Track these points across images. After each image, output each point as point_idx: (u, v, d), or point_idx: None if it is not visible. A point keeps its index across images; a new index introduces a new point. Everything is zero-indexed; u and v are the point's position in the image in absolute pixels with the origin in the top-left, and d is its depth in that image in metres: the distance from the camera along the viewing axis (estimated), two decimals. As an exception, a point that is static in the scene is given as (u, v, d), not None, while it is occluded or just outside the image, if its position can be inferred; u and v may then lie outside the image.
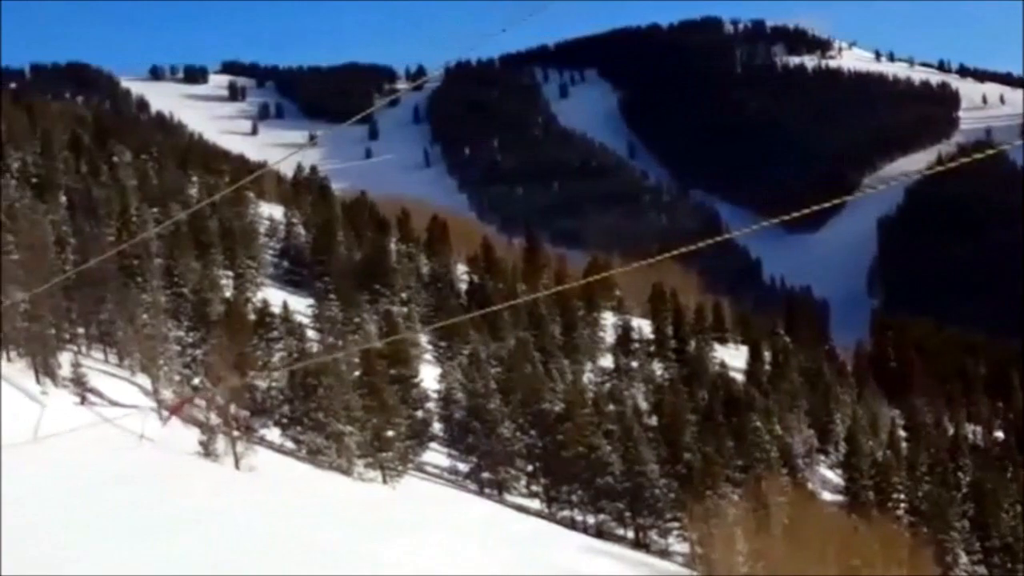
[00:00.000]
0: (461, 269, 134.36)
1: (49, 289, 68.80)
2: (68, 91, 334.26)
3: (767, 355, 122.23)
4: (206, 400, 66.71)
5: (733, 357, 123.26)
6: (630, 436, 79.24)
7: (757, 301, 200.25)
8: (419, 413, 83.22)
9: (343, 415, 71.40)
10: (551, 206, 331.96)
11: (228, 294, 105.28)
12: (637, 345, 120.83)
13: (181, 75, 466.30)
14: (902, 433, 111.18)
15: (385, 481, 72.04)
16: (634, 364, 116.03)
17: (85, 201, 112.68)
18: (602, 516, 78.75)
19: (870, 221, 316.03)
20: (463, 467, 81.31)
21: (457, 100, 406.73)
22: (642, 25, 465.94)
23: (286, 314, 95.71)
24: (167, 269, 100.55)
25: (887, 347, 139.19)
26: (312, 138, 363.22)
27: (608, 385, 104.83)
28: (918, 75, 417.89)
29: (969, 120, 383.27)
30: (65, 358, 75.65)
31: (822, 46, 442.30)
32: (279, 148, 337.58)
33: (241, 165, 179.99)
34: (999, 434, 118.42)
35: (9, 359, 74.87)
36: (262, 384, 75.15)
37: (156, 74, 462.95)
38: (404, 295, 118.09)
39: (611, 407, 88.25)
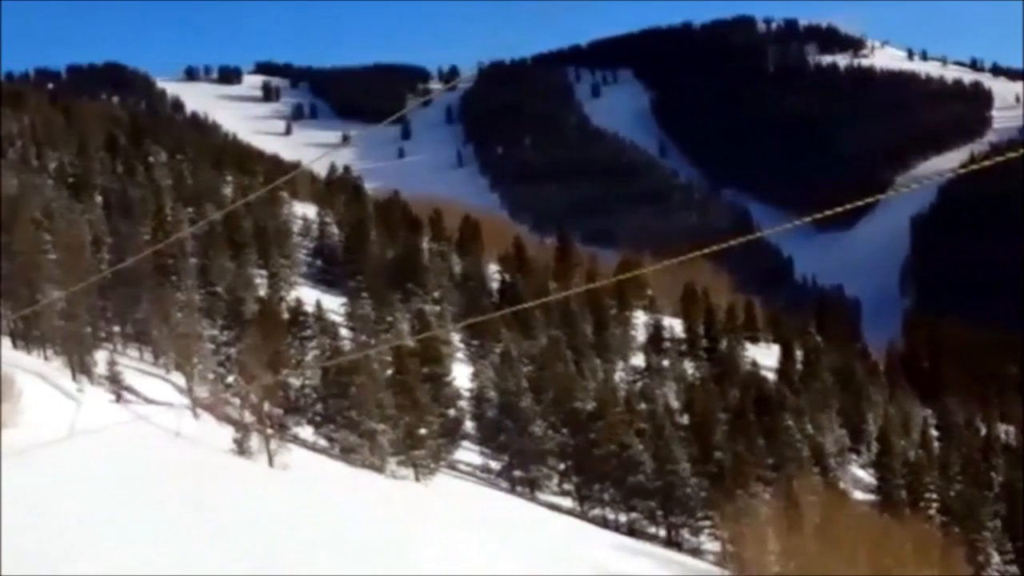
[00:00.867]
0: (493, 268, 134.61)
1: (86, 288, 69.38)
2: (104, 92, 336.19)
3: (799, 354, 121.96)
4: (240, 398, 67.18)
5: (765, 356, 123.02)
6: (661, 435, 79.23)
7: (789, 300, 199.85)
8: (451, 411, 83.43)
9: (376, 413, 71.50)
10: (583, 205, 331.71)
11: (262, 293, 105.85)
12: (668, 344, 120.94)
13: (216, 76, 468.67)
14: (934, 432, 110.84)
15: (418, 479, 72.19)
16: (665, 363, 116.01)
17: (121, 201, 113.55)
18: (634, 514, 78.53)
19: (903, 220, 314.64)
20: (495, 465, 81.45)
21: (490, 100, 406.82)
22: (675, 24, 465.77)
23: (319, 313, 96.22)
24: (202, 268, 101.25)
25: (919, 346, 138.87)
26: (345, 138, 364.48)
27: (640, 384, 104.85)
28: (951, 74, 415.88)
29: (1002, 119, 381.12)
30: (101, 356, 76.10)
31: (855, 45, 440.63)
32: (312, 148, 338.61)
33: (275, 165, 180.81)
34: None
35: (46, 357, 75.60)
36: (295, 382, 75.64)
37: (191, 75, 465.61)
38: (436, 294, 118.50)
39: (643, 406, 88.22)
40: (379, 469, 71.21)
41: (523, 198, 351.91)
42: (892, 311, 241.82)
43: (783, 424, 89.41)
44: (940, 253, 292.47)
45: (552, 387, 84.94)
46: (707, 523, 75.91)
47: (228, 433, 64.35)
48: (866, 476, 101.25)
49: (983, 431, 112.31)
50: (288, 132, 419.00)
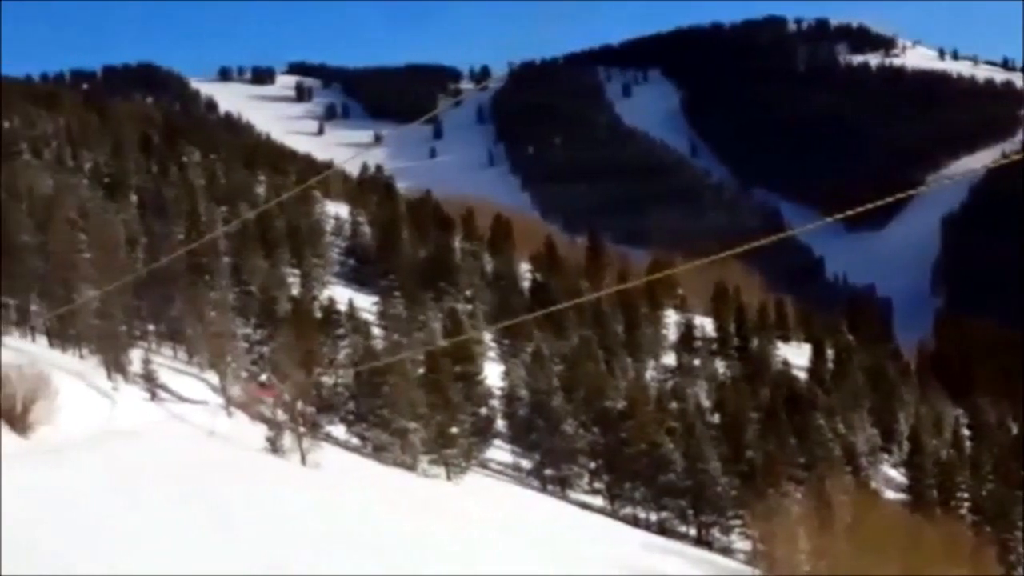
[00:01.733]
0: (524, 267, 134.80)
1: (120, 287, 69.79)
2: (139, 92, 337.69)
3: (830, 353, 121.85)
4: (273, 397, 67.53)
5: (796, 355, 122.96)
6: (692, 434, 79.27)
7: (820, 299, 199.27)
8: (483, 410, 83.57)
9: (408, 412, 71.70)
10: (614, 205, 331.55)
11: (295, 292, 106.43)
12: (700, 343, 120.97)
13: (249, 76, 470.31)
14: (965, 432, 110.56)
15: (449, 478, 72.33)
16: (696, 362, 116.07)
17: (155, 201, 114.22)
18: (664, 513, 78.54)
19: (934, 219, 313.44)
20: (526, 464, 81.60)
21: (521, 100, 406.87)
22: (705, 24, 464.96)
23: (352, 312, 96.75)
24: (235, 267, 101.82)
25: (950, 346, 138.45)
26: (378, 138, 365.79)
27: (671, 383, 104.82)
28: (982, 73, 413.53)
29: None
30: (136, 355, 76.49)
31: (886, 44, 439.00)
32: (345, 148, 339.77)
33: (307, 165, 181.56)
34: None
35: (82, 356, 76.09)
36: (328, 381, 76.04)
37: (225, 75, 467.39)
38: (468, 293, 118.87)
39: (674, 405, 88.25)
40: (411, 467, 71.39)
41: (554, 197, 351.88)
42: (923, 310, 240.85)
43: (814, 423, 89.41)
44: (971, 252, 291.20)
45: (583, 386, 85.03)
46: (738, 522, 75.87)
47: (261, 432, 64.63)
48: (897, 475, 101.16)
49: (1014, 430, 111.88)
50: (321, 132, 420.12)
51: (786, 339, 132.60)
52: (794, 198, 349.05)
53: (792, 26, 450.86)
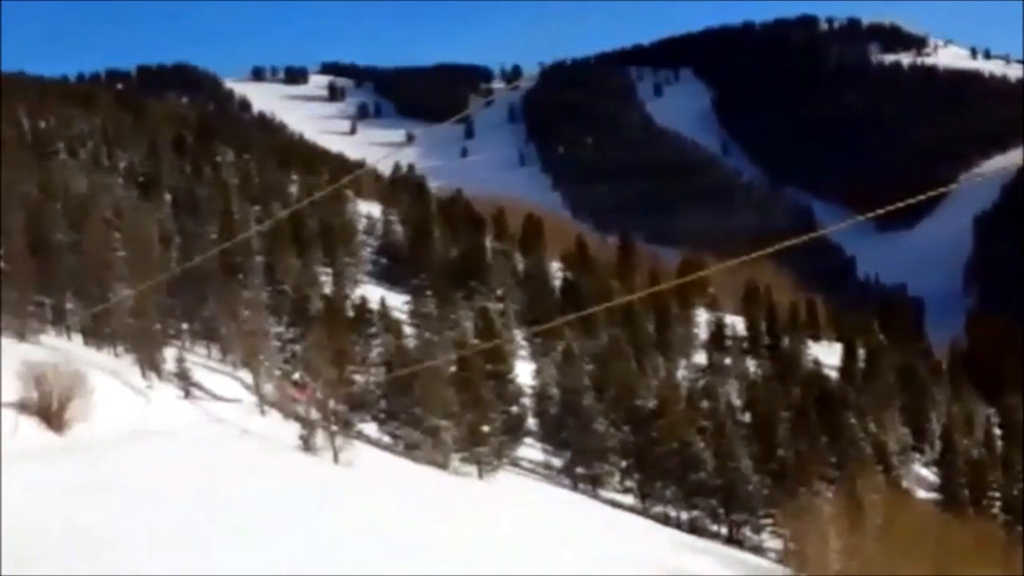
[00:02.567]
0: (555, 266, 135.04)
1: (155, 286, 70.24)
2: (173, 92, 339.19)
3: (861, 353, 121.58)
4: (308, 396, 67.87)
5: (827, 355, 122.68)
6: (723, 432, 79.24)
7: (851, 299, 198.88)
8: (514, 408, 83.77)
9: (439, 410, 71.93)
10: (645, 204, 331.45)
11: (327, 290, 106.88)
12: (730, 342, 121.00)
13: (282, 76, 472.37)
14: (997, 431, 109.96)
15: (481, 476, 72.48)
16: (727, 361, 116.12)
17: (189, 200, 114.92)
18: (695, 512, 78.32)
19: (966, 218, 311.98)
20: (557, 462, 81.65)
21: (552, 99, 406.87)
22: (737, 24, 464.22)
23: (384, 310, 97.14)
24: (268, 266, 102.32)
25: (982, 345, 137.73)
26: (410, 138, 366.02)
27: (702, 382, 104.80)
28: (1014, 72, 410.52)
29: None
30: (170, 353, 77.04)
31: (918, 43, 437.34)
32: (377, 147, 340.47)
33: (340, 164, 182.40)
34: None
35: (116, 354, 76.65)
36: (360, 379, 76.37)
37: (258, 75, 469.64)
38: (499, 292, 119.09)
39: (704, 403, 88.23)
40: (442, 466, 71.45)
41: (585, 197, 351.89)
42: (955, 310, 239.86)
43: (846, 422, 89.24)
44: (1003, 251, 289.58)
45: (614, 385, 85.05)
46: (769, 521, 75.74)
47: (294, 430, 64.94)
48: (929, 475, 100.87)
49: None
50: (353, 131, 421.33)
51: (817, 338, 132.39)
52: (825, 197, 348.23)
53: (824, 25, 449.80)
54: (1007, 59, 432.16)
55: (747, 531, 77.79)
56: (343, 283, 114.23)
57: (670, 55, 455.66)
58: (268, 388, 75.71)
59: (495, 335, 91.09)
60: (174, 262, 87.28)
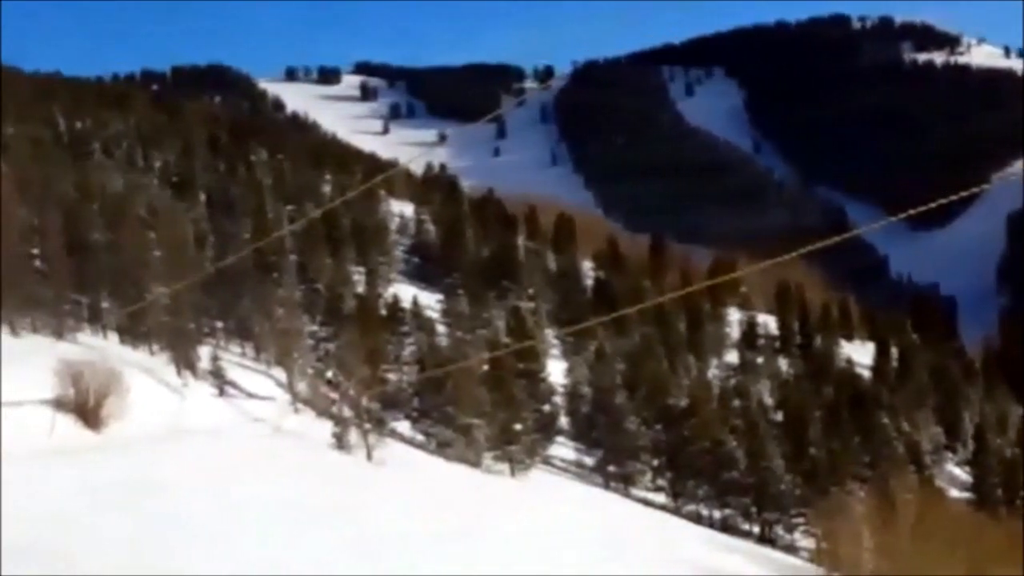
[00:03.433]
0: (587, 265, 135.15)
1: (189, 285, 70.74)
2: (207, 92, 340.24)
3: (894, 352, 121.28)
4: (339, 393, 68.21)
5: (860, 354, 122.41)
6: (755, 431, 79.25)
7: (884, 298, 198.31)
8: (546, 407, 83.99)
9: (472, 409, 72.08)
10: (676, 203, 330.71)
11: (360, 289, 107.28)
12: (763, 341, 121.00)
13: (315, 76, 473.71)
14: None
15: (513, 474, 72.68)
16: (759, 360, 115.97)
17: (223, 199, 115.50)
18: (727, 511, 78.40)
19: (999, 218, 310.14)
20: (589, 461, 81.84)
21: (584, 99, 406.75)
22: (769, 23, 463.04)
23: (416, 309, 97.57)
24: (301, 265, 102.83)
25: (1015, 344, 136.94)
26: (442, 137, 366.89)
27: (733, 381, 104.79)
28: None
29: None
30: (204, 351, 77.27)
31: (950, 42, 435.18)
32: (409, 147, 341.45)
33: (372, 164, 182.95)
34: None
35: (152, 352, 77.12)
36: (393, 377, 76.70)
37: (291, 75, 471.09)
38: (531, 291, 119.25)
39: (736, 402, 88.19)
40: (475, 464, 71.58)
41: (617, 196, 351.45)
42: (988, 309, 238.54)
43: (878, 422, 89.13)
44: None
45: (646, 383, 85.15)
46: (801, 520, 75.74)
47: (327, 428, 65.26)
48: (962, 474, 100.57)
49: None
50: (385, 131, 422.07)
51: (849, 338, 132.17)
52: (858, 196, 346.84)
53: (856, 24, 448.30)
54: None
55: (779, 530, 77.76)
56: (376, 282, 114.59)
57: (702, 54, 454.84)
58: (302, 386, 76.05)
59: (527, 334, 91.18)
60: (209, 261, 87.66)
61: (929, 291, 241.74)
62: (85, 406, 54.56)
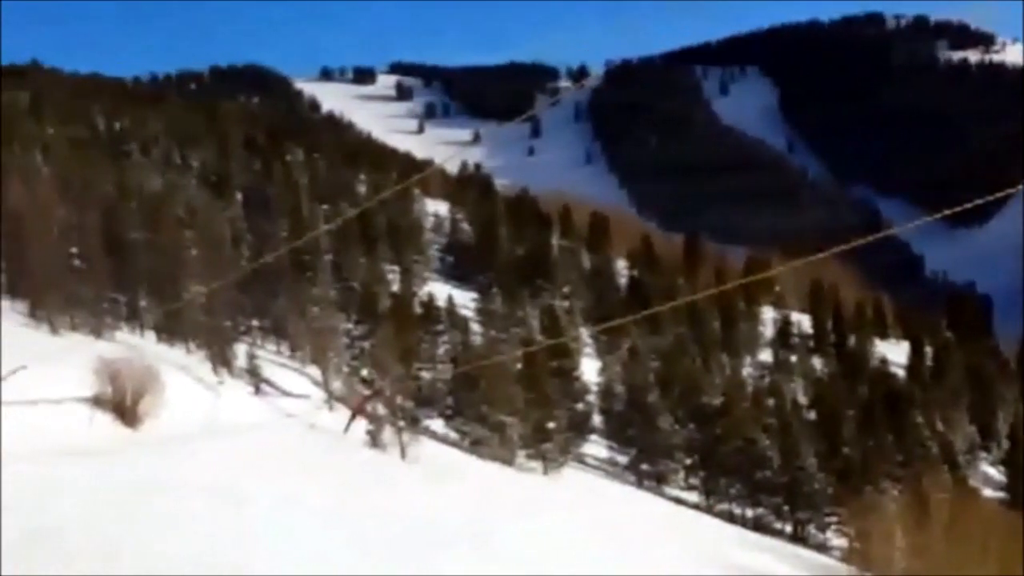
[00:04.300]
0: (621, 264, 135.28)
1: (226, 284, 71.42)
2: (244, 93, 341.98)
3: (929, 351, 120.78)
4: (374, 391, 68.52)
5: (894, 352, 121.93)
6: (789, 430, 79.26)
7: (919, 296, 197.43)
8: (579, 405, 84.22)
9: (505, 407, 72.23)
10: (710, 202, 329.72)
11: (395, 288, 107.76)
12: (796, 340, 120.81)
13: (351, 76, 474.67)
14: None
15: (546, 472, 72.85)
16: (793, 359, 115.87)
17: (259, 199, 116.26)
18: (760, 510, 78.32)
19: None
20: (622, 459, 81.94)
21: (618, 98, 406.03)
22: (803, 21, 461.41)
23: (451, 308, 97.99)
24: (337, 264, 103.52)
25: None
26: (476, 136, 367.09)
27: (767, 379, 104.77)
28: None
29: None
30: (240, 350, 77.92)
31: (985, 41, 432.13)
32: (444, 146, 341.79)
33: (407, 163, 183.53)
34: None
35: (188, 350, 77.78)
36: (427, 376, 77.10)
37: (327, 75, 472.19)
38: (565, 290, 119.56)
39: (770, 401, 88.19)
40: (508, 462, 71.77)
41: (651, 195, 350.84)
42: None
43: (912, 421, 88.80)
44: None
45: (679, 382, 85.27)
46: (834, 519, 75.68)
47: (362, 425, 65.66)
48: (996, 474, 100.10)
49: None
50: (420, 130, 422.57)
51: (884, 336, 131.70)
52: (893, 195, 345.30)
53: (891, 23, 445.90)
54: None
55: (812, 529, 77.68)
56: (411, 281, 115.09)
57: (736, 53, 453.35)
58: (337, 384, 76.50)
59: (561, 332, 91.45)
60: (245, 260, 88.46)
61: (964, 290, 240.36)
62: (123, 404, 55.17)
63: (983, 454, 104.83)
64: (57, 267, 73.92)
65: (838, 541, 75.54)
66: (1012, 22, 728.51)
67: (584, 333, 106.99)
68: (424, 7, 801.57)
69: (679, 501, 77.69)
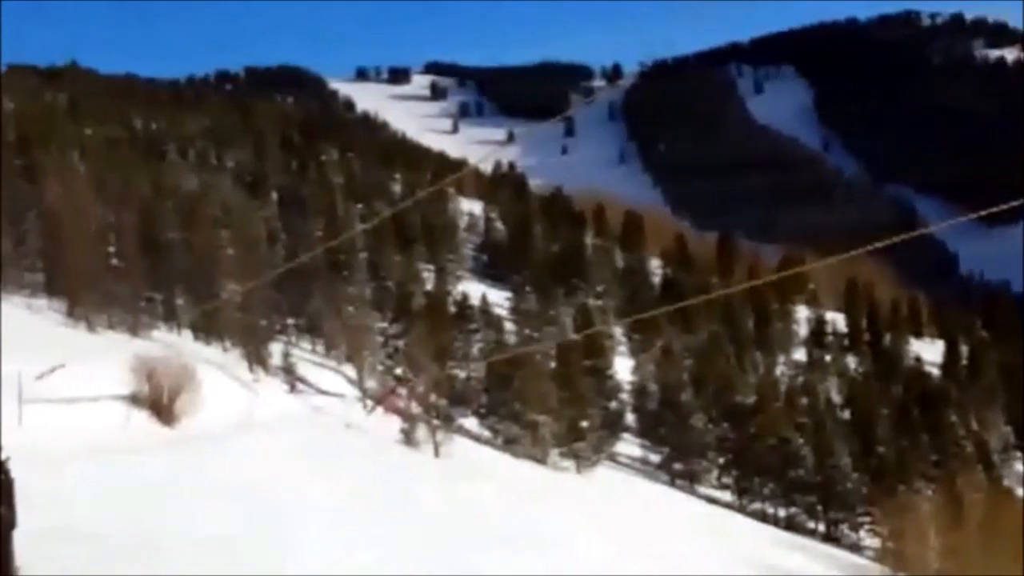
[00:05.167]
0: (655, 263, 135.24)
1: (261, 282, 71.82)
2: (280, 93, 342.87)
3: (964, 350, 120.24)
4: (408, 389, 68.82)
5: (929, 352, 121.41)
6: (822, 429, 79.12)
7: (954, 296, 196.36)
8: (612, 404, 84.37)
9: (539, 405, 72.36)
10: (745, 201, 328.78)
11: (429, 287, 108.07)
12: (831, 338, 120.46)
13: (385, 76, 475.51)
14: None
15: (579, 471, 72.99)
16: (827, 357, 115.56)
17: (295, 198, 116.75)
18: (793, 509, 78.22)
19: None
20: (655, 458, 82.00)
21: (652, 98, 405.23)
22: (839, 20, 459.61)
23: (485, 306, 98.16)
24: (371, 263, 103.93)
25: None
26: (511, 136, 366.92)
27: (801, 378, 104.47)
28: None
29: None
30: (276, 348, 78.53)
31: (1022, 39, 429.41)
32: (478, 146, 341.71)
33: (442, 163, 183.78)
34: None
35: (224, 349, 78.32)
36: (461, 374, 77.34)
37: (362, 75, 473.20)
38: (599, 288, 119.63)
39: (804, 400, 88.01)
40: (541, 460, 71.93)
41: (685, 194, 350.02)
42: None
43: (947, 421, 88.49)
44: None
45: (713, 381, 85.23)
46: (867, 519, 75.46)
47: (396, 423, 65.91)
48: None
49: None
50: (455, 130, 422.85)
51: (919, 335, 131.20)
52: (928, 193, 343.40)
53: (927, 21, 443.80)
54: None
55: (845, 529, 77.55)
56: (445, 279, 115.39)
57: (771, 52, 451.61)
58: (371, 383, 76.83)
59: (595, 331, 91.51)
60: (280, 259, 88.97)
61: (1000, 289, 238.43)
62: (159, 401, 55.54)
63: (1018, 454, 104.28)
64: (94, 266, 74.56)
65: (871, 541, 75.36)
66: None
67: (617, 332, 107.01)
68: (458, 7, 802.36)
69: (712, 500, 77.62)
